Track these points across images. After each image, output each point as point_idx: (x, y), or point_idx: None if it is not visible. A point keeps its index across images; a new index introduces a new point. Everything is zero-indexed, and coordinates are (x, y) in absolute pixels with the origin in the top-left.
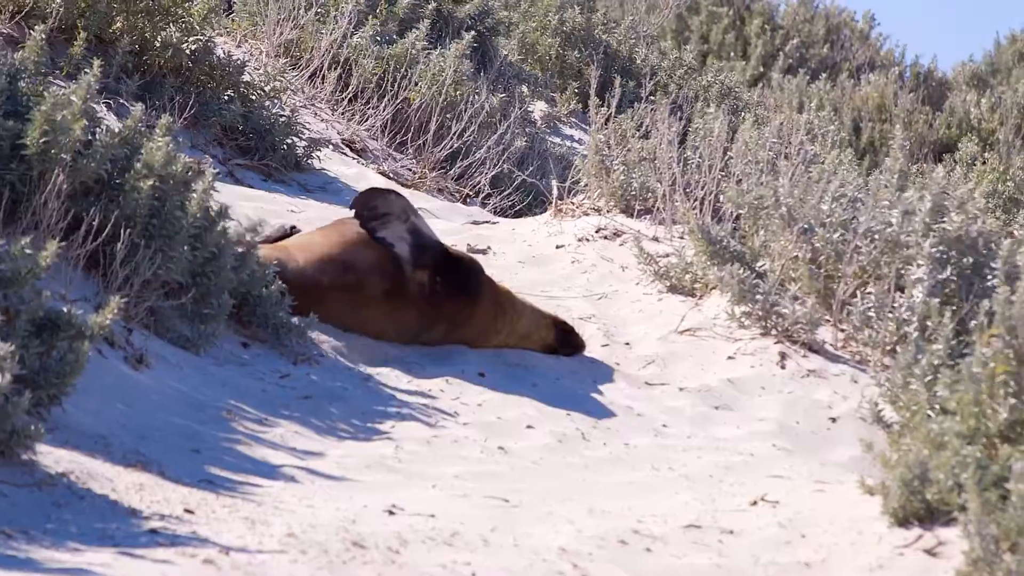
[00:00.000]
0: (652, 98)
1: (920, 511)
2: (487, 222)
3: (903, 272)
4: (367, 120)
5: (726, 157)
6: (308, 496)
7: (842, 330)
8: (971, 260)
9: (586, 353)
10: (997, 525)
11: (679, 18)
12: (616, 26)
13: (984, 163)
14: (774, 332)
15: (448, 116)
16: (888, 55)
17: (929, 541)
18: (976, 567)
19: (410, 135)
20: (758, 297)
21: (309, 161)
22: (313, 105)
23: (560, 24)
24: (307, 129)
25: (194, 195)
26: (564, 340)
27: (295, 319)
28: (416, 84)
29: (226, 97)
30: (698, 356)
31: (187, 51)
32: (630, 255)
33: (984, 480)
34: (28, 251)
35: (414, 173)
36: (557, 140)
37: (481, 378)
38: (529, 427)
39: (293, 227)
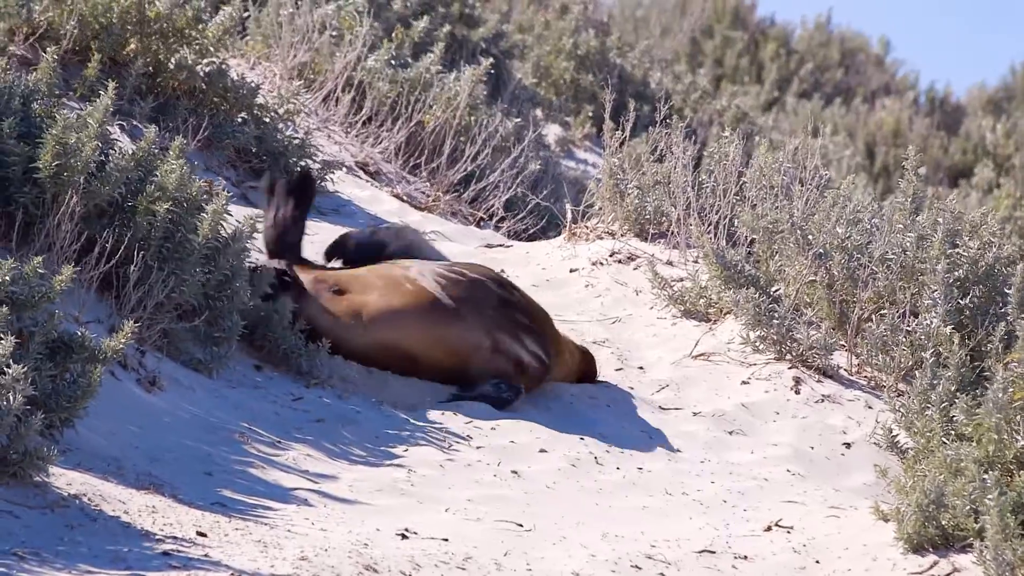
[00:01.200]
0: (667, 122)
1: (935, 537)
2: (501, 245)
3: (918, 297)
4: (381, 143)
5: (740, 181)
6: (321, 519)
7: (857, 355)
8: (986, 286)
9: (600, 377)
10: (1013, 551)
11: (693, 42)
12: (630, 50)
13: (1000, 188)
14: (789, 357)
15: (462, 139)
16: (903, 80)
17: (944, 568)
18: None
19: (424, 158)
20: (773, 322)
21: (322, 183)
22: (326, 127)
23: (574, 48)
24: (320, 151)
25: (207, 216)
26: (591, 369)
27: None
28: (431, 107)
29: (240, 119)
30: (712, 381)
31: (201, 73)
32: (644, 279)
33: (1003, 506)
34: (42, 272)
35: (428, 196)
36: (571, 164)
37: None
38: (542, 451)
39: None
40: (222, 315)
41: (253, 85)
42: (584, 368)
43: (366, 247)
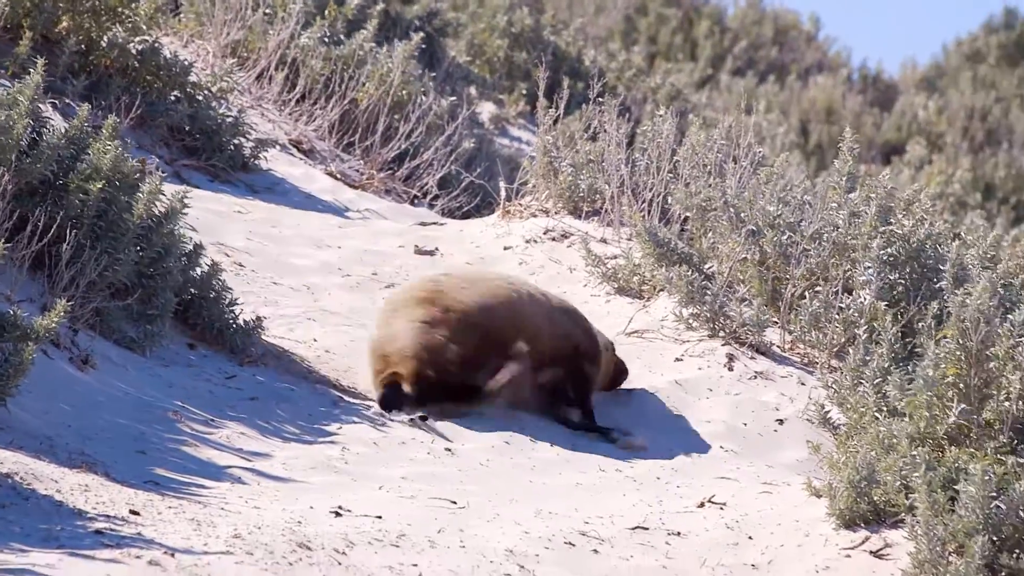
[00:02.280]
0: (600, 100)
1: (867, 513)
2: (435, 223)
3: (851, 274)
4: (314, 121)
5: (674, 159)
6: (254, 497)
7: (790, 332)
8: (919, 262)
9: None
10: (944, 527)
11: (627, 20)
12: (565, 28)
13: (931, 165)
14: (722, 334)
15: (396, 117)
16: (836, 57)
17: (875, 543)
18: (922, 569)
19: (358, 136)
20: (706, 299)
21: (256, 162)
22: (260, 106)
23: (508, 25)
24: (254, 130)
25: (141, 196)
26: None
27: (242, 319)
28: (364, 85)
29: (173, 97)
30: (646, 358)
31: (133, 51)
32: (578, 257)
33: (933, 482)
34: None
35: (362, 174)
36: (505, 142)
37: None
38: (476, 429)
39: None
40: (155, 294)
41: (186, 63)
42: None
43: None
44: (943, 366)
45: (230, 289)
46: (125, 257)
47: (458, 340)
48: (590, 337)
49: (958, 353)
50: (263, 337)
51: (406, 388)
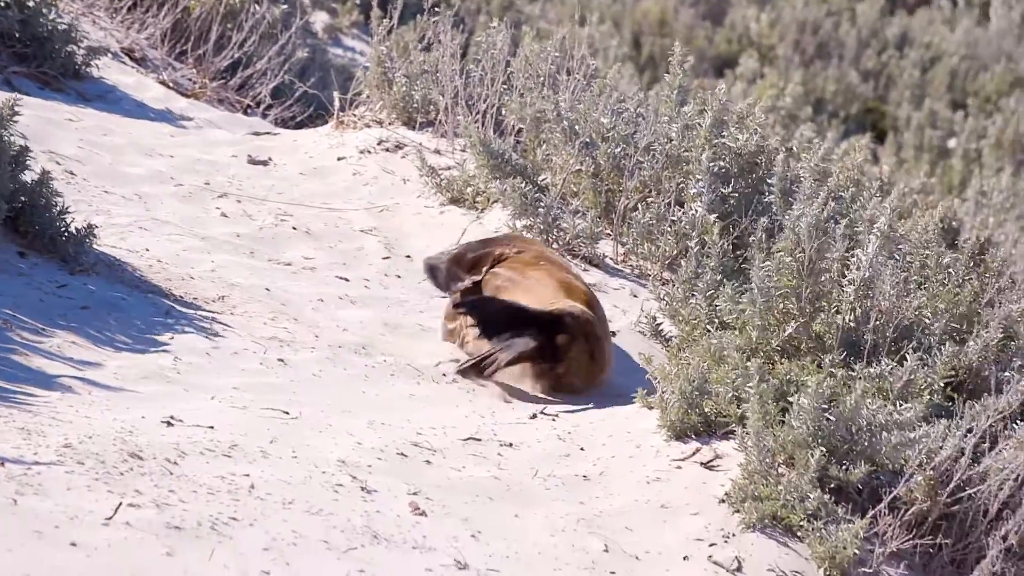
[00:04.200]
0: (434, 10)
1: (698, 424)
2: (268, 133)
3: (684, 187)
4: (147, 29)
5: (508, 71)
6: (85, 407)
7: (623, 244)
8: (750, 176)
9: (369, 265)
10: (775, 438)
11: None
12: None
13: (764, 79)
14: (555, 246)
15: (229, 26)
16: None
17: (706, 454)
18: (752, 480)
19: (190, 45)
20: (539, 211)
21: (88, 70)
22: (92, 13)
23: None
24: (86, 37)
25: None
26: None
27: (74, 227)
28: None
29: (3, 4)
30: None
31: None
32: (412, 168)
33: (764, 393)
34: None
35: (194, 83)
36: (339, 51)
37: (266, 292)
38: (309, 338)
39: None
40: None
41: None
42: None
43: None
44: (775, 278)
45: (61, 196)
46: None
47: None
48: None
49: (792, 265)
50: (95, 246)
51: None
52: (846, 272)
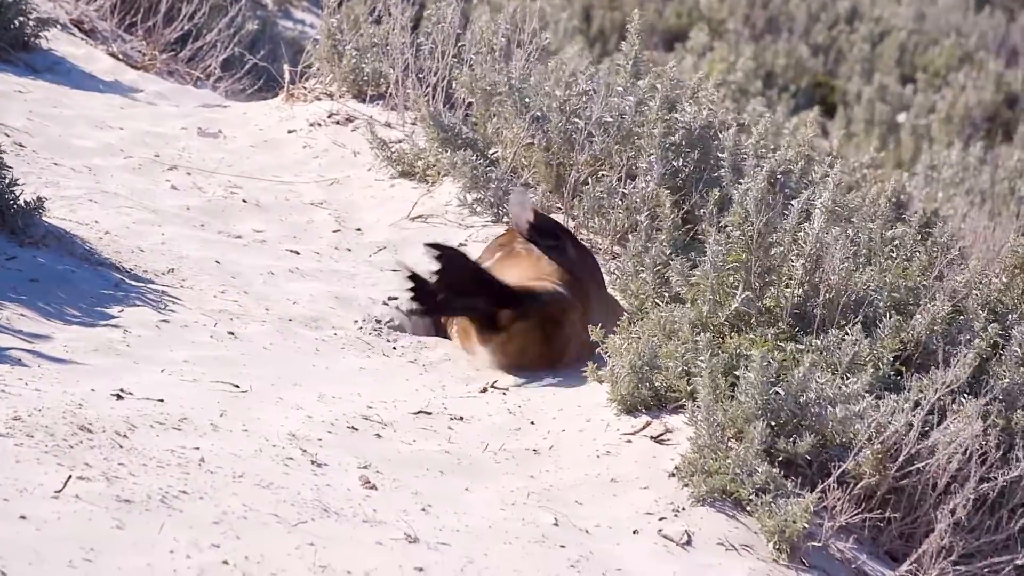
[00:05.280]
0: None
1: (648, 398)
2: (218, 105)
3: (635, 161)
4: (95, 0)
5: (459, 43)
6: (34, 379)
7: (573, 218)
8: (701, 150)
9: (319, 239)
10: (724, 412)
11: None
12: None
13: (713, 52)
14: (506, 219)
15: None
16: None
17: (656, 428)
18: (701, 454)
19: (140, 16)
20: (490, 184)
21: (37, 41)
22: None
23: None
24: (35, 9)
25: None
26: None
27: (23, 199)
28: None
29: None
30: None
31: None
32: (362, 141)
33: (714, 368)
34: None
35: (144, 55)
36: (289, 24)
37: (216, 265)
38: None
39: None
40: None
41: None
42: None
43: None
44: (725, 253)
45: (10, 168)
46: None
47: None
48: None
49: (742, 239)
50: (44, 218)
51: None
52: (796, 243)
